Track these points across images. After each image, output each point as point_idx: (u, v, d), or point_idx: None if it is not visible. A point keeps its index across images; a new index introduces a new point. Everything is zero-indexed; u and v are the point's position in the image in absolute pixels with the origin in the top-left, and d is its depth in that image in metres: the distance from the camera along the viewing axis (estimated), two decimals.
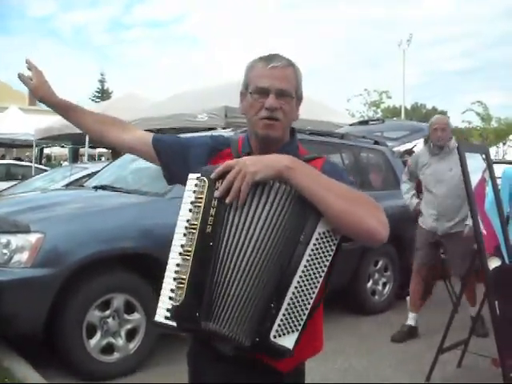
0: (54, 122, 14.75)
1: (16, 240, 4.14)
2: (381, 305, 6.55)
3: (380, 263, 6.58)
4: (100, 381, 4.25)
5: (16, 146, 25.92)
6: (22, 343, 4.52)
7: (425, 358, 4.78)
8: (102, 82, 55.20)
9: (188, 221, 1.59)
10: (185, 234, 1.60)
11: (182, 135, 2.19)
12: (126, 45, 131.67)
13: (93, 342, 4.28)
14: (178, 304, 1.56)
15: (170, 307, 1.58)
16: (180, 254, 1.60)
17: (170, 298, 1.58)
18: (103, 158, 22.80)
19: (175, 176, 1.92)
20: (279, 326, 1.51)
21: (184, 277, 1.57)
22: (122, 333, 4.41)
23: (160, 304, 1.61)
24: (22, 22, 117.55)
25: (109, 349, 4.37)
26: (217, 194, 1.56)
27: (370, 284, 6.47)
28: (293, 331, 1.52)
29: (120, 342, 4.39)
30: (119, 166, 6.41)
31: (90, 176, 6.76)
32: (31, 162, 17.27)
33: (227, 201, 1.54)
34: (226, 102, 9.14)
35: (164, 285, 1.61)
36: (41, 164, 18.06)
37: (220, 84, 10.83)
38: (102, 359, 4.33)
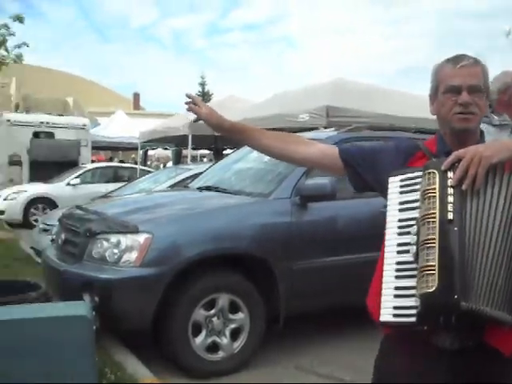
0: (157, 125, 15.23)
1: (125, 240, 4.29)
2: None
3: None
4: (205, 378, 4.32)
5: (122, 149, 26.96)
6: (132, 339, 4.67)
7: None
8: (202, 84, 56.29)
9: (401, 220, 1.73)
10: (400, 234, 1.72)
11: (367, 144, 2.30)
12: (224, 48, 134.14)
13: (198, 340, 4.35)
14: (430, 291, 1.56)
15: (397, 305, 1.65)
16: (398, 252, 1.71)
17: (397, 296, 1.67)
18: (205, 160, 23.25)
19: (367, 184, 2.03)
20: None
21: (433, 263, 1.57)
22: (227, 332, 4.45)
23: (384, 304, 1.68)
24: (123, 30, 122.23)
25: (214, 347, 4.43)
26: (452, 181, 1.64)
27: None
28: None
29: (224, 340, 4.43)
30: (222, 167, 6.50)
31: (193, 177, 6.88)
32: (136, 163, 17.87)
33: (464, 187, 1.62)
34: (327, 102, 9.08)
35: (384, 285, 1.70)
36: (145, 166, 18.66)
37: (321, 83, 10.77)
38: (206, 357, 4.39)
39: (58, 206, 12.33)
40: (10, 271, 7.27)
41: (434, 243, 1.59)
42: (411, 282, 1.64)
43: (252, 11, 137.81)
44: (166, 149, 19.37)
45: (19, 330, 2.90)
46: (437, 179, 1.65)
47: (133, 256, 4.22)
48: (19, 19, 11.25)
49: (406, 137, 5.04)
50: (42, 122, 18.13)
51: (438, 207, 1.61)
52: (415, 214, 1.69)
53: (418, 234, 1.65)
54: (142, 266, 4.19)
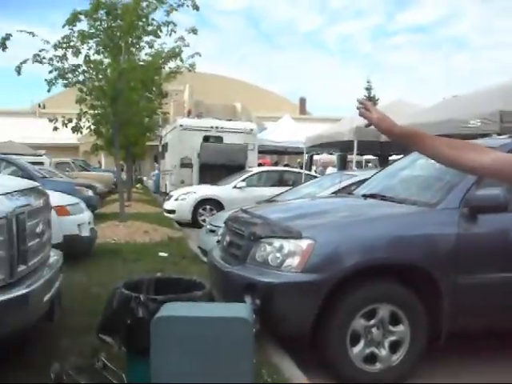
0: (323, 130, 15.27)
1: (288, 245, 4.34)
2: None
3: None
4: None
5: (287, 153, 27.43)
6: (290, 343, 4.70)
7: None
8: (368, 89, 55.74)
9: None
10: None
11: None
12: (390, 52, 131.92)
13: (356, 349, 4.28)
14: None
15: None
16: None
17: None
18: (370, 165, 22.98)
19: None
20: None
21: None
22: (386, 344, 4.33)
23: None
24: (292, 37, 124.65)
25: (371, 358, 4.33)
26: None
27: None
28: None
29: (383, 352, 4.32)
30: (388, 174, 6.35)
31: (358, 184, 6.80)
32: (301, 168, 18.08)
33: None
34: (500, 106, 8.56)
35: None
36: (310, 170, 18.81)
37: (493, 86, 10.19)
38: (364, 368, 4.29)
39: (224, 208, 12.80)
40: (178, 268, 7.67)
41: None
42: None
43: (420, 12, 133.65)
44: (331, 154, 19.41)
45: (184, 327, 3.03)
46: None
47: (295, 261, 4.25)
48: (193, 31, 11.86)
49: None
50: (211, 127, 18.95)
51: None
52: None
53: None
54: (303, 271, 4.21)
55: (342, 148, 15.46)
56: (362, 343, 4.30)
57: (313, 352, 4.49)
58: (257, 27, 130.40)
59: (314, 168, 24.18)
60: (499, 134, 7.38)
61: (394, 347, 4.35)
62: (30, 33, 10.83)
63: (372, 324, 4.30)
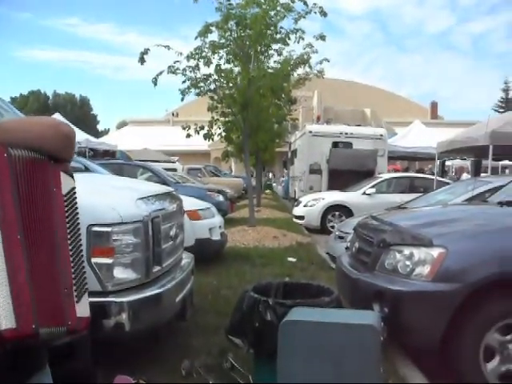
0: (455, 134, 14.70)
1: (419, 253, 4.20)
2: None
3: None
4: None
5: (418, 159, 26.71)
6: (420, 355, 4.55)
7: None
8: (505, 90, 53.09)
9: None
10: None
11: None
12: None
13: (490, 366, 4.04)
14: None
15: None
16: None
17: None
18: (507, 171, 21.83)
19: None
20: None
21: None
22: None
23: None
24: (421, 39, 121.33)
25: (508, 376, 4.07)
26: None
27: None
28: None
29: None
30: None
31: (493, 191, 6.47)
32: (432, 174, 17.51)
33: None
34: None
35: None
36: (443, 177, 18.21)
37: None
38: None
39: (353, 215, 12.67)
40: (306, 274, 7.69)
41: None
42: None
43: None
44: (464, 159, 18.67)
45: (311, 332, 3.02)
46: None
47: (425, 270, 4.11)
48: (321, 38, 11.91)
49: None
50: (341, 133, 18.85)
51: None
52: None
53: None
54: (434, 280, 4.05)
55: (476, 153, 14.80)
56: (497, 359, 4.07)
57: (441, 365, 4.32)
58: (384, 30, 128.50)
59: (449, 174, 23.35)
60: None
61: None
62: (165, 46, 11.37)
63: (509, 339, 4.06)
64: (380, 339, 2.99)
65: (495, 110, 49.18)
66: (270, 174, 41.33)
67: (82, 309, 1.44)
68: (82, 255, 1.49)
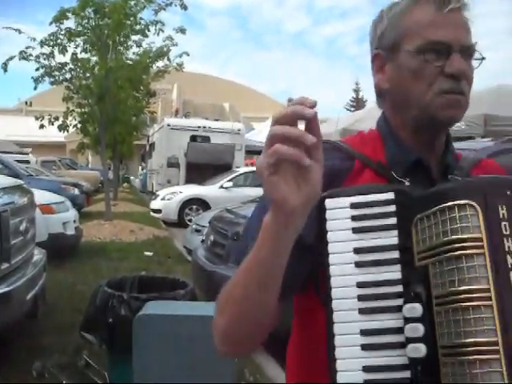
0: None
1: None
2: None
3: None
4: None
5: None
6: (272, 342, 4.72)
7: None
8: (356, 91, 56.03)
9: (364, 285, 0.92)
10: (389, 310, 0.91)
11: None
12: None
13: None
14: None
15: None
16: (362, 311, 0.92)
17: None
18: None
19: None
20: None
21: (494, 339, 0.82)
22: None
23: None
24: (279, 37, 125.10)
25: None
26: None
27: None
28: None
29: None
30: None
31: None
32: None
33: None
34: (484, 110, 8.67)
35: (341, 364, 0.91)
36: None
37: (479, 90, 10.29)
38: None
39: (210, 208, 12.82)
40: (163, 268, 7.69)
41: (497, 352, 0.81)
42: (391, 359, 0.90)
43: None
44: None
45: (166, 325, 3.05)
46: (480, 220, 0.86)
47: None
48: (181, 31, 11.93)
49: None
50: (199, 127, 18.97)
51: (491, 278, 0.83)
52: (393, 273, 0.92)
53: (430, 323, 0.87)
54: None
55: None
56: None
57: None
58: (244, 27, 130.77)
59: None
60: (483, 137, 7.48)
61: None
62: (16, 30, 10.84)
63: None
64: None
65: (347, 109, 51.66)
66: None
67: None
68: None
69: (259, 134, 23.83)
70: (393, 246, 0.92)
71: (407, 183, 1.05)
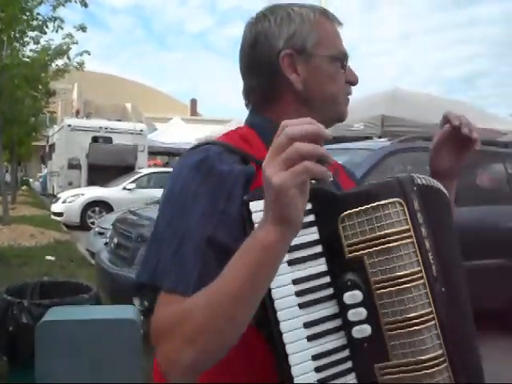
0: (214, 131, 15.37)
1: None
2: None
3: None
4: None
5: (178, 155, 27.30)
6: None
7: None
8: None
9: (298, 281, 0.99)
10: (305, 306, 0.99)
11: None
12: None
13: None
14: None
15: None
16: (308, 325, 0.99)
17: None
18: None
19: None
20: None
21: (440, 352, 1.00)
22: None
23: None
24: (180, 37, 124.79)
25: None
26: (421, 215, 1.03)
27: None
28: None
29: None
30: None
31: None
32: None
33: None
34: (382, 111, 9.05)
35: None
36: None
37: (377, 93, 10.72)
38: None
39: (113, 210, 12.60)
40: (66, 272, 7.48)
41: (433, 319, 0.99)
42: (333, 343, 1.00)
43: None
44: None
45: (70, 331, 2.98)
46: (406, 214, 1.00)
47: None
48: (82, 29, 11.64)
49: None
50: (100, 127, 18.59)
51: (421, 261, 1.00)
52: (320, 266, 1.01)
53: (372, 306, 0.98)
54: None
55: None
56: None
57: None
58: (146, 27, 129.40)
59: None
60: (380, 137, 7.78)
61: None
62: None
63: None
64: (140, 333, 3.05)
65: None
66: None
67: None
68: None
69: (162, 134, 23.66)
70: (315, 242, 1.00)
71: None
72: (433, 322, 0.99)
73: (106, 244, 6.02)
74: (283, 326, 0.96)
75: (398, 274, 0.97)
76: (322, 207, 1.00)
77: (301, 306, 0.98)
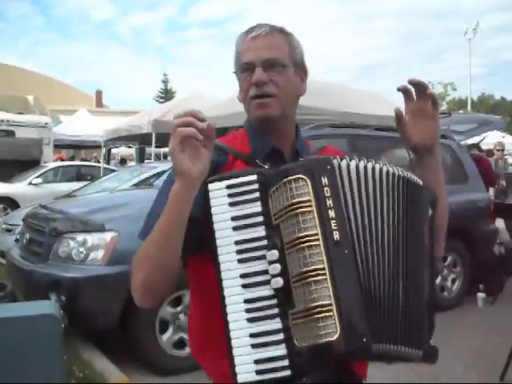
0: (121, 123, 15.10)
1: (92, 238, 4.32)
2: (450, 301, 6.45)
3: (449, 259, 6.48)
4: (173, 375, 4.36)
5: (85, 148, 26.67)
6: (101, 338, 4.69)
7: (499, 356, 4.48)
8: (165, 82, 56.02)
9: (239, 242, 1.27)
10: (243, 261, 1.27)
11: None
12: (186, 45, 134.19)
13: (165, 337, 4.40)
14: (332, 339, 1.16)
15: (260, 357, 1.23)
16: (244, 286, 1.26)
17: (257, 346, 1.23)
18: (169, 158, 23.10)
19: None
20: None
21: (328, 302, 1.18)
22: None
23: (239, 360, 1.23)
24: (85, 27, 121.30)
25: (181, 344, 4.48)
26: (330, 190, 1.24)
27: (438, 280, 6.37)
28: None
29: None
30: None
31: (158, 175, 6.90)
32: (98, 162, 17.73)
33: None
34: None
35: (233, 333, 1.25)
36: (109, 164, 18.51)
37: None
38: (174, 354, 4.43)
39: (19, 206, 12.18)
40: None
41: (324, 275, 1.19)
42: (271, 325, 1.23)
43: (211, 8, 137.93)
44: (129, 147, 19.27)
45: None
46: (309, 188, 1.23)
47: (99, 254, 4.25)
48: None
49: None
50: (2, 120, 17.82)
51: (318, 226, 1.22)
52: (259, 232, 1.28)
53: (284, 262, 1.23)
54: (108, 264, 4.22)
55: (140, 141, 15.43)
56: (170, 330, 4.43)
57: (123, 344, 4.53)
58: (46, 14, 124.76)
59: (112, 161, 23.73)
60: None
61: None
62: None
63: (179, 310, 4.44)
64: (61, 327, 3.03)
65: (156, 100, 51.52)
66: None
67: None
68: None
69: (67, 127, 22.99)
70: (257, 213, 1.29)
71: (267, 167, 1.42)
72: (324, 277, 1.19)
73: (16, 241, 5.86)
74: (224, 275, 1.27)
75: (299, 235, 1.22)
76: (263, 185, 1.29)
77: (239, 261, 1.27)
